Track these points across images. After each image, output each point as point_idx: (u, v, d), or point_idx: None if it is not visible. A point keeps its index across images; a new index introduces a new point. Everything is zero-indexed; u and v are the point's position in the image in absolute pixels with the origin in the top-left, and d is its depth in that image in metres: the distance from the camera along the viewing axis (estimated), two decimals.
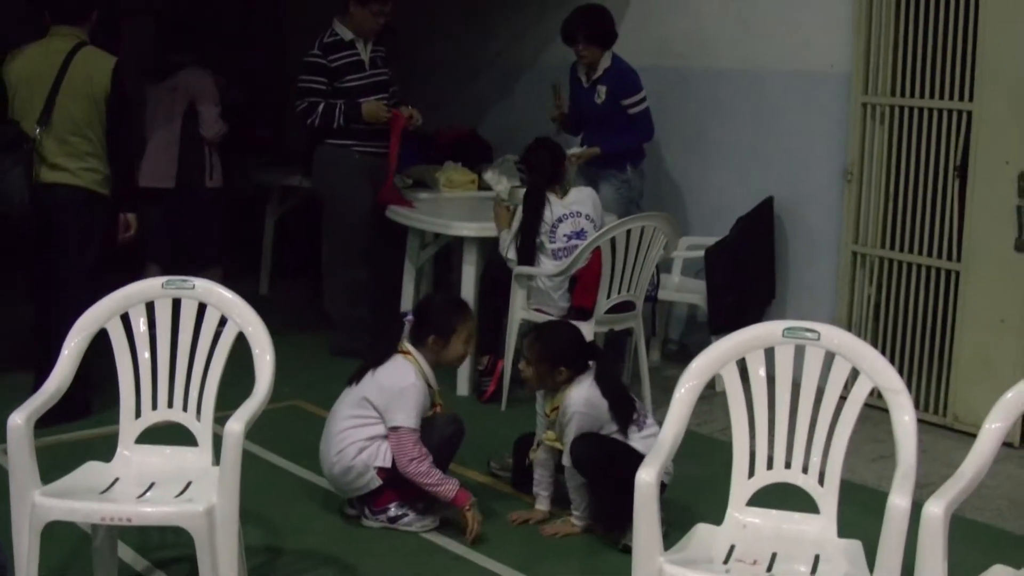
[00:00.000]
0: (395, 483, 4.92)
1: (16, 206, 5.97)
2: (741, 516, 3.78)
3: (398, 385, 4.90)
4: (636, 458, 4.79)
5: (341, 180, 7.28)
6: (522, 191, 6.67)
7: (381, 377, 4.95)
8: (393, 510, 4.95)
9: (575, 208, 6.41)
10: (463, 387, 6.75)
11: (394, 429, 4.87)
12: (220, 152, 7.98)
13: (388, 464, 4.89)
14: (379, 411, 4.91)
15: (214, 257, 7.99)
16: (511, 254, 6.41)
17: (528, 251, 6.35)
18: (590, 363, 5.02)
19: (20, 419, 3.76)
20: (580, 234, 6.35)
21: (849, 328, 6.64)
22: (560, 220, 6.38)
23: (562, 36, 7.25)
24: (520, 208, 6.44)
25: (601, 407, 4.91)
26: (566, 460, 4.93)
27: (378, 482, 4.91)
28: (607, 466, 4.85)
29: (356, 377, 5.02)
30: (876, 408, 3.82)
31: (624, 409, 4.94)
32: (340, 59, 7.15)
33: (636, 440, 4.91)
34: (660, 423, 3.76)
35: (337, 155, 7.25)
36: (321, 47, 7.14)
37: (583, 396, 4.90)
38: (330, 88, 7.13)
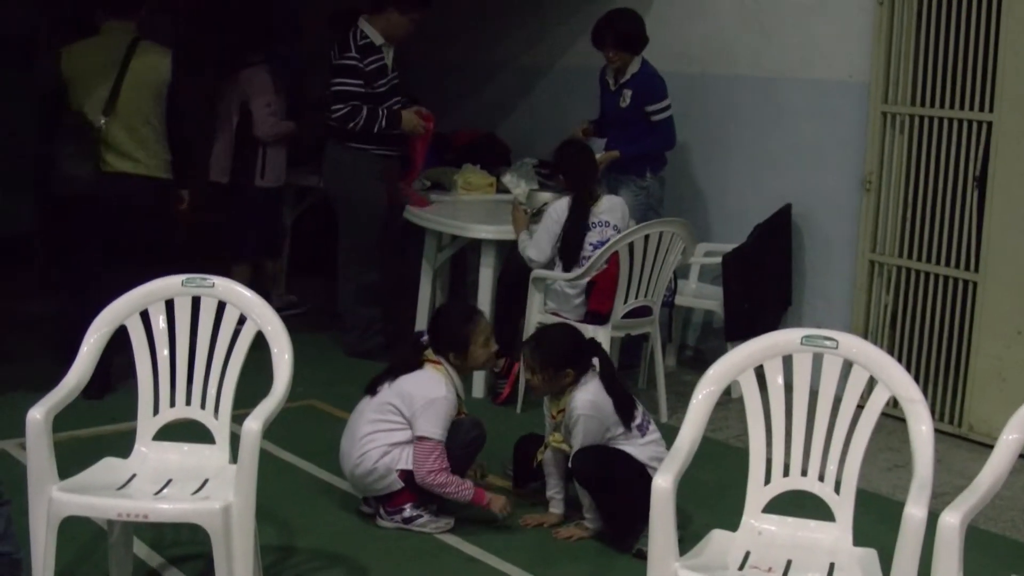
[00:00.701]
0: (415, 485, 4.93)
1: (79, 190, 6.25)
2: (757, 523, 3.78)
3: (429, 396, 4.92)
4: (636, 465, 4.84)
5: (356, 181, 7.27)
6: (541, 195, 6.68)
7: (410, 386, 4.96)
8: (408, 511, 4.96)
9: (604, 217, 6.39)
10: (479, 390, 6.75)
11: (420, 439, 4.89)
12: (275, 151, 8.02)
13: (411, 467, 4.91)
14: (406, 418, 4.93)
15: (276, 250, 8.34)
16: (530, 252, 6.41)
17: (573, 254, 6.34)
18: (593, 361, 5.04)
19: (39, 414, 3.77)
20: (605, 243, 6.33)
21: (865, 337, 6.64)
22: (589, 228, 6.38)
23: (592, 39, 7.25)
24: (545, 212, 6.43)
25: (606, 408, 4.91)
26: (573, 464, 4.95)
27: (399, 484, 4.93)
28: (608, 477, 4.87)
29: (379, 382, 5.04)
30: (891, 417, 3.83)
31: (628, 408, 4.95)
32: (372, 63, 7.11)
33: (637, 446, 4.93)
34: (677, 428, 3.76)
35: (352, 157, 7.23)
36: (357, 50, 7.07)
37: (588, 398, 4.90)
38: (365, 91, 7.11)
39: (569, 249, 6.34)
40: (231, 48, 8.26)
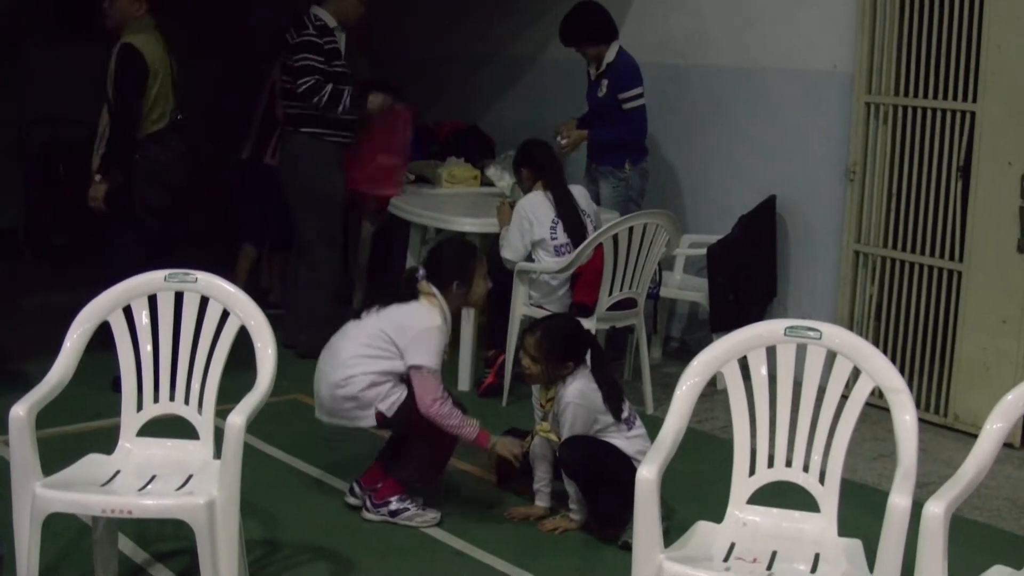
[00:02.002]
0: (398, 468, 4.92)
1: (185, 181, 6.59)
2: (741, 514, 3.79)
3: (423, 325, 4.87)
4: (622, 457, 4.85)
5: (314, 169, 7.22)
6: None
7: (404, 316, 4.91)
8: (395, 503, 4.95)
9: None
10: (464, 382, 6.75)
11: (417, 368, 4.83)
12: None
13: (390, 413, 4.86)
14: (398, 348, 4.86)
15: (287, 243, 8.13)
16: (504, 253, 6.42)
17: (580, 235, 6.37)
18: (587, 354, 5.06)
19: (22, 411, 3.76)
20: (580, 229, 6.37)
21: (851, 327, 6.65)
22: (580, 209, 6.46)
23: (561, 42, 7.28)
24: (520, 204, 6.43)
25: (595, 398, 4.91)
26: (560, 453, 4.96)
27: (373, 422, 4.90)
28: (595, 468, 4.88)
29: (366, 308, 5.01)
30: (876, 407, 3.83)
31: (617, 399, 4.96)
32: (328, 43, 7.09)
33: (622, 439, 4.93)
34: (661, 419, 3.76)
35: (308, 144, 7.20)
36: (315, 28, 7.06)
37: (578, 388, 4.90)
38: (325, 68, 7.06)
39: (574, 234, 6.38)
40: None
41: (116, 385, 4.17)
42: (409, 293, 4.99)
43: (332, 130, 7.18)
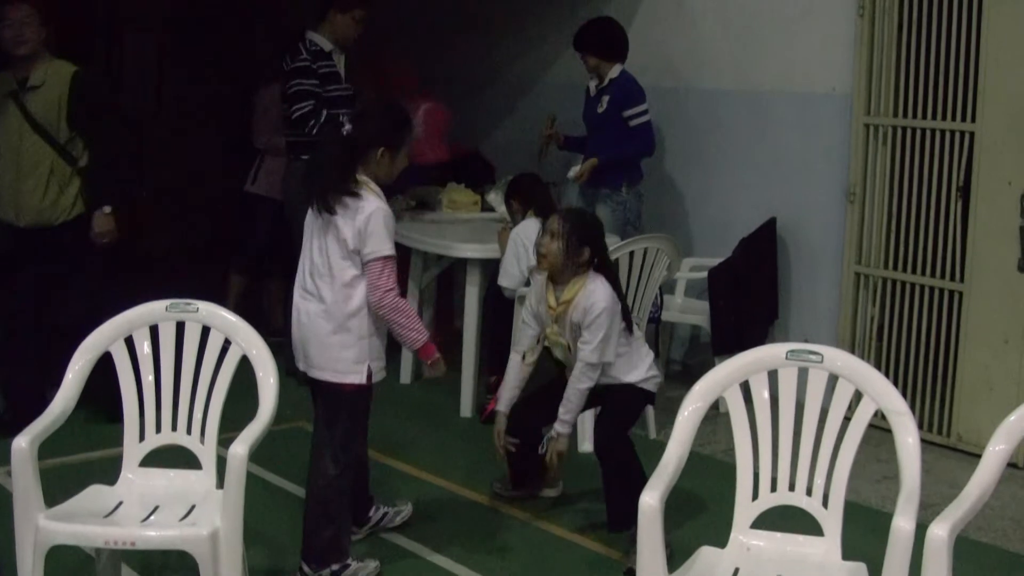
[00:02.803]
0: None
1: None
2: (745, 539, 3.78)
3: (366, 212, 4.43)
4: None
5: None
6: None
7: (347, 210, 4.44)
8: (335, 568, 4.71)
9: None
10: (467, 409, 6.75)
11: (369, 261, 4.44)
12: (273, 160, 8.01)
13: (361, 381, 4.55)
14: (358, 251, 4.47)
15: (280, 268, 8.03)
16: (502, 281, 6.42)
17: None
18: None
19: (24, 442, 3.77)
20: None
21: (852, 348, 6.66)
22: None
23: (573, 43, 7.36)
24: (515, 232, 6.44)
25: (618, 308, 4.99)
26: (591, 356, 4.95)
27: (348, 380, 4.54)
28: (627, 462, 4.93)
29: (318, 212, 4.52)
30: (879, 428, 3.83)
31: (627, 309, 5.08)
32: (324, 67, 7.03)
33: (641, 361, 5.07)
34: (664, 444, 3.76)
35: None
36: (308, 54, 6.98)
37: (607, 292, 4.96)
38: (320, 92, 6.99)
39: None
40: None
41: (111, 416, 4.16)
42: (341, 180, 4.47)
43: None
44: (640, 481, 4.81)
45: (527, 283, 6.37)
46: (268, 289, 8.43)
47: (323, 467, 4.63)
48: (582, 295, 4.96)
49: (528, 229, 6.38)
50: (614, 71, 7.24)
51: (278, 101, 7.41)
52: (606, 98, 7.23)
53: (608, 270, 5.09)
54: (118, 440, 4.20)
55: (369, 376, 4.58)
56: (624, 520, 4.84)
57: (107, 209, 6.14)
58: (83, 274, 6.25)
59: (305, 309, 4.58)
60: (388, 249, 4.46)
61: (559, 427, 5.05)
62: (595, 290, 4.95)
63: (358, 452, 4.79)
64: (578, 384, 5.00)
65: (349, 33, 7.16)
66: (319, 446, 4.67)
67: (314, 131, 6.91)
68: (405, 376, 7.38)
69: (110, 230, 6.16)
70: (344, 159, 4.50)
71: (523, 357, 5.22)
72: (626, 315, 5.06)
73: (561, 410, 5.05)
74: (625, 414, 5.14)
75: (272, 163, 8.00)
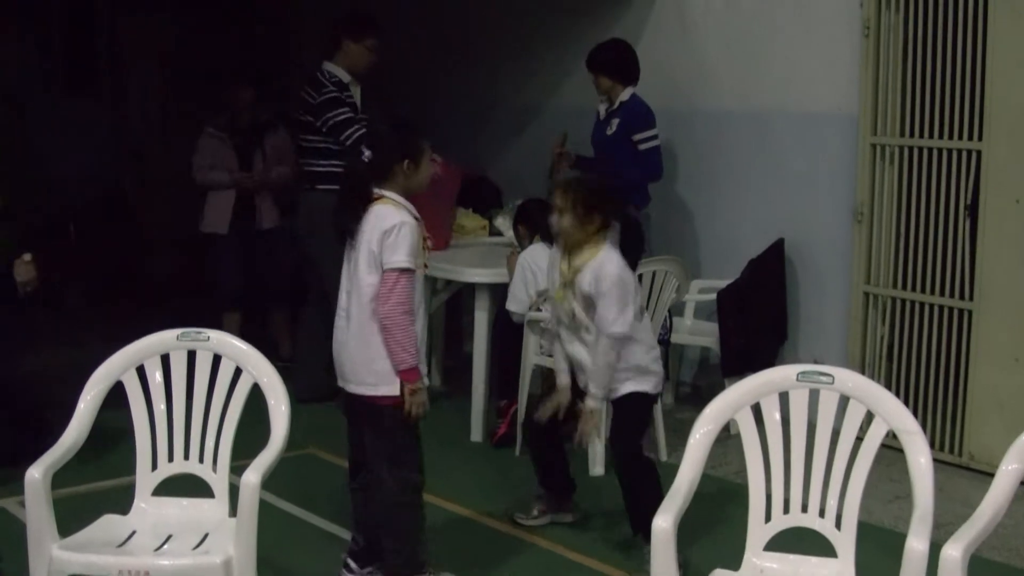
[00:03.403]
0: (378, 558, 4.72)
1: None
2: (759, 561, 3.78)
3: (387, 224, 4.45)
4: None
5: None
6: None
7: (369, 225, 4.50)
8: None
9: None
10: (477, 433, 6.75)
11: (388, 270, 4.44)
12: (215, 197, 8.09)
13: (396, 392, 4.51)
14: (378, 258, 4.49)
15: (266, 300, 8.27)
16: (510, 306, 6.42)
17: None
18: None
19: (37, 473, 3.79)
20: None
21: (862, 368, 6.65)
22: None
23: (586, 63, 7.36)
24: (523, 256, 6.45)
25: (631, 278, 5.01)
26: (611, 327, 4.93)
27: (383, 392, 4.52)
28: (644, 478, 4.99)
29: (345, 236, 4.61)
30: (891, 448, 3.82)
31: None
32: (348, 98, 7.14)
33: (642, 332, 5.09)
34: (676, 466, 3.77)
35: (327, 200, 7.11)
36: (332, 84, 7.08)
37: (618, 263, 4.97)
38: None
39: None
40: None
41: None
42: (361, 198, 4.57)
43: None
44: (659, 487, 4.87)
45: (537, 308, 6.39)
46: (273, 320, 8.44)
47: (383, 487, 4.60)
48: (594, 263, 4.96)
49: (535, 254, 6.39)
50: (625, 94, 7.24)
51: (218, 140, 7.72)
52: (616, 121, 7.23)
53: (627, 224, 5.09)
54: (130, 469, 4.21)
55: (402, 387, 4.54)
56: (646, 523, 4.90)
57: (27, 257, 6.00)
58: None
59: (340, 326, 4.63)
60: (405, 261, 4.43)
61: (590, 402, 5.03)
62: (606, 260, 4.96)
63: (417, 464, 4.71)
64: (604, 358, 4.97)
65: (363, 62, 7.23)
66: (373, 467, 4.64)
67: (363, 157, 6.94)
68: None
69: (32, 278, 6.01)
70: (366, 180, 4.56)
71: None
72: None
73: (590, 385, 5.03)
74: (633, 428, 5.16)
75: (214, 200, 8.07)
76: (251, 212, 8.12)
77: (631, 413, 5.14)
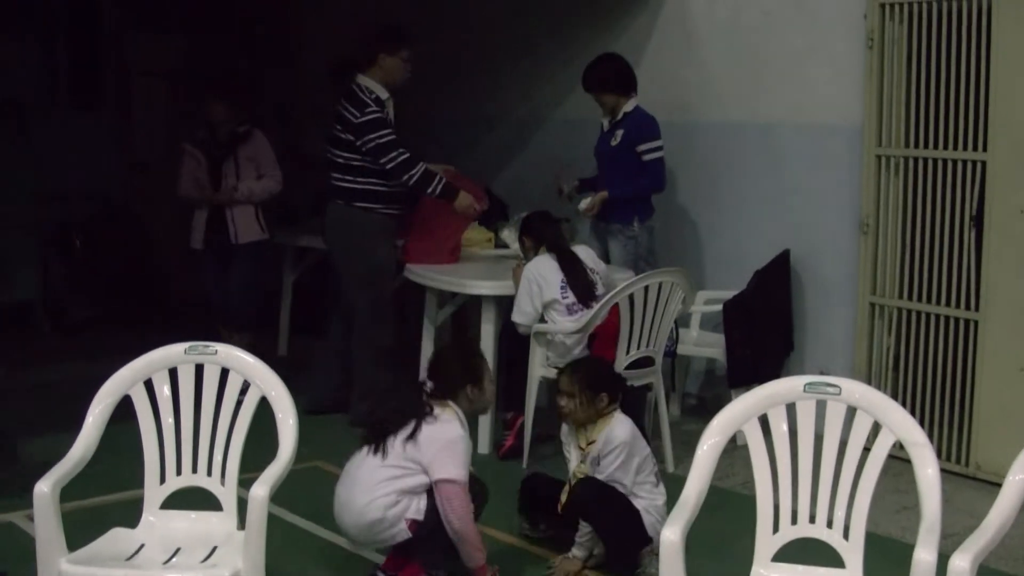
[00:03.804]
0: (424, 548, 4.81)
1: None
2: (767, 572, 3.78)
3: (447, 437, 4.73)
4: (625, 499, 5.02)
5: (367, 241, 7.15)
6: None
7: (425, 430, 4.75)
8: None
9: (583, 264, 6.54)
10: (483, 445, 6.74)
11: (445, 482, 4.67)
12: (197, 212, 7.95)
13: (420, 517, 4.72)
14: (421, 464, 4.71)
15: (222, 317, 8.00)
16: (515, 318, 6.44)
17: (588, 294, 6.44)
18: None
19: (46, 487, 3.79)
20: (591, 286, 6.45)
21: (868, 379, 6.65)
22: (585, 268, 6.53)
23: (582, 84, 7.36)
24: (528, 268, 6.46)
25: (642, 445, 5.09)
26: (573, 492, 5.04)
27: (407, 535, 4.73)
28: (608, 507, 5.00)
29: (382, 434, 4.79)
30: (898, 459, 3.82)
31: (647, 437, 5.17)
32: (387, 116, 7.11)
33: (649, 495, 5.08)
34: (683, 477, 3.77)
35: (361, 217, 7.14)
36: (375, 102, 7.02)
37: (629, 429, 5.06)
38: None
39: (584, 293, 6.43)
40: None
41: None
42: (421, 410, 4.84)
43: (384, 204, 7.14)
44: (620, 516, 4.89)
45: (541, 319, 6.40)
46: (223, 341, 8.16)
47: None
48: (605, 432, 5.06)
49: (540, 265, 6.40)
50: (628, 105, 7.26)
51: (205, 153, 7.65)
52: (620, 132, 7.25)
53: (627, 399, 5.26)
54: (138, 483, 4.22)
55: (413, 522, 4.76)
56: (621, 558, 4.93)
57: None
58: None
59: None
60: (466, 476, 4.77)
61: (576, 550, 5.10)
62: (615, 427, 5.06)
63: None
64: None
65: (399, 75, 7.19)
66: None
67: (409, 183, 7.05)
68: None
69: None
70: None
71: None
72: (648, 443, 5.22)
73: (577, 536, 5.09)
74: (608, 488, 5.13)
75: (194, 215, 7.92)
76: (224, 227, 7.83)
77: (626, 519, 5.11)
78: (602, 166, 7.46)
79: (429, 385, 4.95)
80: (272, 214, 8.19)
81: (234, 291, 7.94)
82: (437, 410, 4.82)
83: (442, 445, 4.72)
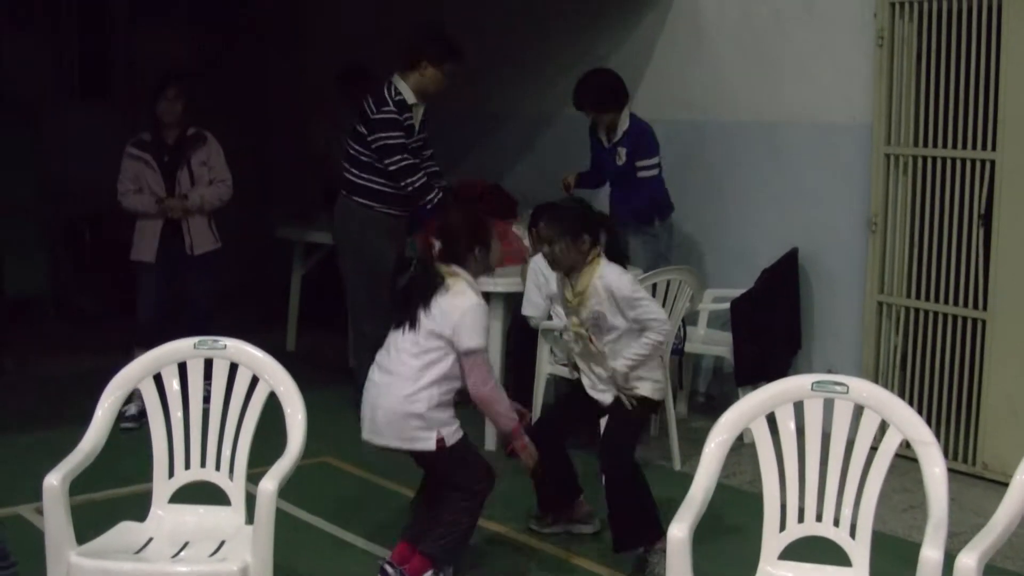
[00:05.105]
0: (433, 544, 4.79)
1: None
2: (773, 570, 3.78)
3: (463, 306, 4.74)
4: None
5: (364, 236, 7.20)
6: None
7: (442, 304, 4.75)
8: None
9: None
10: (491, 442, 6.75)
11: (468, 353, 4.72)
12: (142, 223, 7.32)
13: (450, 441, 4.74)
14: (447, 338, 4.73)
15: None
16: (525, 311, 6.44)
17: None
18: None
19: (55, 480, 3.80)
20: None
21: (876, 378, 6.65)
22: None
23: (574, 104, 7.34)
24: (532, 260, 6.46)
25: (627, 273, 5.11)
26: (655, 335, 5.04)
27: (432, 446, 4.72)
28: (631, 480, 5.03)
29: (410, 313, 4.79)
30: (905, 457, 3.83)
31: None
32: (407, 120, 7.09)
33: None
34: (690, 475, 3.78)
35: (359, 212, 7.20)
36: (395, 104, 7.02)
37: (619, 271, 5.06)
38: (406, 143, 7.08)
39: None
40: None
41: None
42: (433, 282, 4.82)
43: (381, 203, 7.17)
44: (645, 499, 4.89)
45: (550, 316, 6.40)
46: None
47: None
48: (598, 283, 5.00)
49: (541, 260, 6.40)
50: (624, 121, 7.24)
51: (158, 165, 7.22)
52: (623, 151, 7.24)
53: (616, 244, 5.20)
54: (147, 476, 4.23)
55: (441, 440, 4.77)
56: (630, 540, 4.92)
57: None
58: None
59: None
60: (486, 344, 4.83)
61: (617, 364, 5.08)
62: (608, 273, 5.00)
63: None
64: (643, 351, 5.07)
65: (436, 86, 7.17)
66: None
67: (408, 190, 7.08)
68: None
69: None
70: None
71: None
72: None
73: (626, 353, 5.07)
74: (628, 430, 5.19)
75: (142, 224, 7.28)
76: (180, 238, 7.26)
77: (629, 416, 5.16)
78: (614, 185, 7.45)
79: (437, 247, 4.90)
80: (282, 210, 8.19)
81: (199, 305, 7.42)
82: (449, 280, 4.81)
83: (460, 315, 4.73)
